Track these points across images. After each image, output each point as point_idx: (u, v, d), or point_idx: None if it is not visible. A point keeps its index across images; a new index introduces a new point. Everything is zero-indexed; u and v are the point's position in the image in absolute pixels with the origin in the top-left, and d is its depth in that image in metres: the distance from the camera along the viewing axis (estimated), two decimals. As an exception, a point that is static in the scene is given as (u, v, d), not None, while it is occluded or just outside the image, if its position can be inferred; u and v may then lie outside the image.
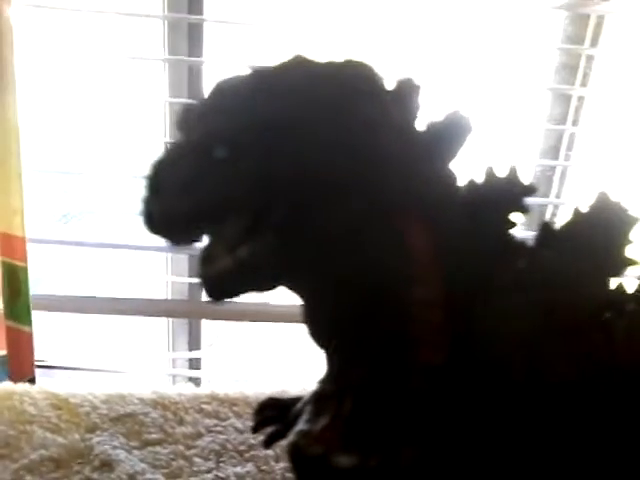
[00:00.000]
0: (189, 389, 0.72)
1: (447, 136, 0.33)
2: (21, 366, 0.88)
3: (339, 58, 0.33)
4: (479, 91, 0.94)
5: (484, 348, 0.34)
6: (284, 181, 0.31)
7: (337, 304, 0.35)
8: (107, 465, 0.60)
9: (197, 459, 0.62)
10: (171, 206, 0.32)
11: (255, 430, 0.50)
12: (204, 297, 1.08)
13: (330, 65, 0.32)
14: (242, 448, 0.63)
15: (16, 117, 0.76)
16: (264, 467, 0.61)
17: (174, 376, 1.14)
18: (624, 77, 0.96)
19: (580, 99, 0.99)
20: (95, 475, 0.58)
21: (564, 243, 0.35)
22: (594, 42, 0.96)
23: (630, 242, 0.35)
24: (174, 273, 1.06)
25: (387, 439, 0.34)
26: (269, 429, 0.49)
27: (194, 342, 1.13)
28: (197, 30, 0.93)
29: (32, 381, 0.89)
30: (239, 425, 0.66)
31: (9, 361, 0.87)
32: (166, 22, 0.92)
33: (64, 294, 1.08)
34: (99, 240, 1.07)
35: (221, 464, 0.61)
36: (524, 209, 0.35)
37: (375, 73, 0.33)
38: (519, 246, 0.36)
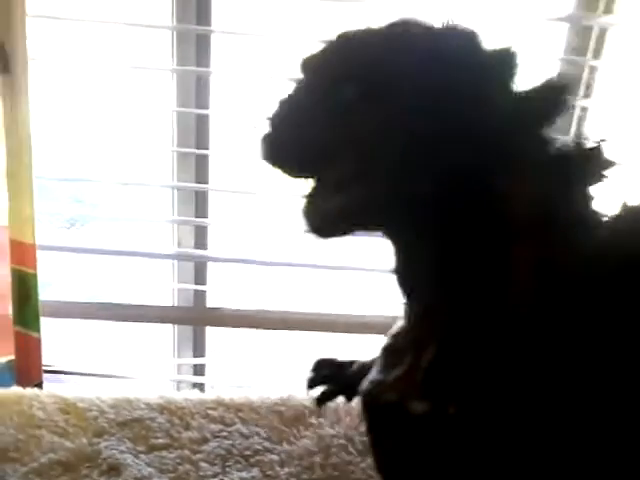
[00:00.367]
0: (195, 395, 0.73)
1: (546, 101, 0.35)
2: (29, 371, 0.89)
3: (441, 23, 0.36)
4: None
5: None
6: (394, 135, 0.33)
7: (428, 251, 0.36)
8: (114, 469, 0.60)
9: (203, 464, 0.62)
10: (289, 142, 0.35)
11: (310, 387, 0.52)
12: (209, 304, 1.09)
13: (440, 29, 0.35)
14: (247, 453, 0.64)
15: (28, 129, 0.77)
16: (269, 472, 0.62)
17: (179, 382, 1.14)
18: (627, 88, 0.97)
19: (583, 109, 1.00)
20: (102, 479, 0.59)
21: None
22: (597, 53, 0.97)
23: None
24: (180, 280, 1.07)
25: (465, 389, 0.35)
26: (321, 388, 0.52)
27: (199, 349, 1.14)
28: (205, 41, 0.94)
29: (40, 386, 0.90)
30: (244, 430, 0.67)
31: (17, 366, 0.88)
32: (175, 33, 0.93)
33: (72, 300, 1.09)
34: (106, 247, 1.08)
35: (227, 469, 0.62)
36: (605, 181, 0.37)
37: (480, 38, 0.36)
38: (599, 217, 0.37)
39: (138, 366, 1.18)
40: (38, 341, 0.89)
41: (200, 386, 1.13)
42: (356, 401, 0.43)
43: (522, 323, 0.35)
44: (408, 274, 0.39)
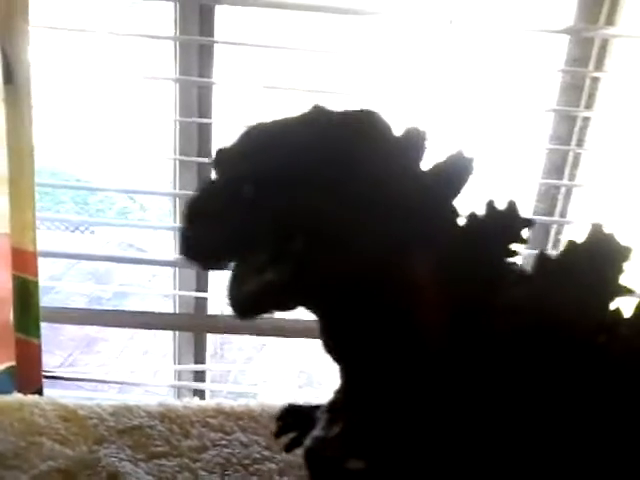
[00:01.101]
0: (195, 402, 0.73)
1: (450, 176, 0.37)
2: (29, 377, 0.89)
3: (352, 107, 0.37)
4: (486, 113, 0.95)
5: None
6: (301, 218, 0.35)
7: (349, 324, 0.39)
8: (114, 477, 0.61)
9: (202, 472, 0.63)
10: (204, 237, 0.37)
11: (277, 436, 0.54)
12: (210, 311, 1.10)
13: (344, 115, 0.37)
14: (247, 462, 0.64)
15: (31, 138, 0.78)
16: (268, 481, 0.62)
17: (179, 388, 1.14)
18: (630, 98, 0.98)
19: (585, 120, 1.01)
20: (102, 487, 0.60)
21: (560, 272, 0.37)
22: (599, 64, 0.97)
23: (624, 272, 0.37)
24: (181, 287, 1.08)
25: (392, 446, 0.38)
26: (290, 435, 0.53)
27: (199, 355, 1.14)
28: (208, 51, 0.95)
29: (40, 392, 0.91)
30: (244, 439, 0.67)
31: (18, 372, 0.88)
32: (177, 43, 0.94)
33: (72, 306, 1.09)
34: (108, 253, 1.09)
35: (226, 477, 0.62)
36: (523, 240, 0.38)
37: (384, 122, 0.37)
38: (517, 274, 0.38)
39: (139, 373, 1.19)
40: (38, 347, 0.89)
41: (200, 393, 1.13)
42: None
43: (432, 387, 0.37)
44: (330, 342, 0.41)
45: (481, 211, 0.38)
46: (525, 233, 0.38)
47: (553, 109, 1.00)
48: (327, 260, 0.36)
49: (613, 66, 0.97)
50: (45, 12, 0.90)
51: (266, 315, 0.38)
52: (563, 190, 1.05)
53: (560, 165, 1.04)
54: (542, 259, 0.38)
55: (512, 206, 0.38)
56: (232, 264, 0.38)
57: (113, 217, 3.12)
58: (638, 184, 1.00)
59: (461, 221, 0.38)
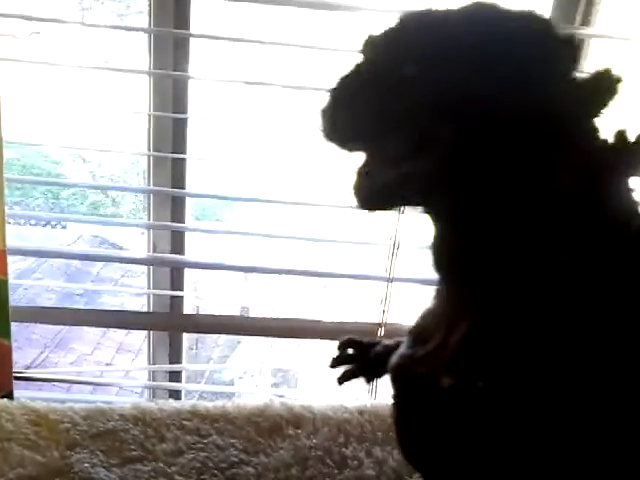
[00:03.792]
0: (170, 404, 0.71)
1: (596, 90, 0.36)
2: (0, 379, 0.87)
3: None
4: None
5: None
6: (458, 105, 0.34)
7: (477, 226, 0.37)
8: (86, 483, 0.59)
9: (178, 477, 0.61)
10: (351, 116, 0.37)
11: (333, 366, 0.53)
12: (185, 310, 1.08)
13: (514, 13, 0.37)
14: (223, 466, 0.63)
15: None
16: (245, 485, 0.61)
17: (154, 389, 1.13)
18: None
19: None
20: (74, 494, 0.58)
21: None
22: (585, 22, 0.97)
23: None
24: (155, 286, 1.06)
25: (493, 366, 0.37)
26: (346, 367, 0.53)
27: (175, 355, 1.12)
28: (183, 44, 0.93)
29: (10, 394, 0.88)
30: (220, 442, 0.66)
31: (-14, 374, 0.85)
32: (152, 36, 0.92)
33: (44, 305, 1.07)
34: (80, 249, 1.06)
35: (202, 482, 0.61)
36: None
37: (551, 23, 0.37)
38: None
39: (113, 373, 1.16)
40: (9, 348, 0.87)
41: (176, 393, 1.11)
42: (379, 380, 0.47)
43: (553, 306, 0.36)
44: (443, 253, 0.40)
45: (611, 138, 0.38)
46: None
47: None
48: (475, 156, 0.35)
49: (589, 66, 0.97)
50: (18, 3, 0.87)
51: (392, 209, 0.39)
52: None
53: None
54: None
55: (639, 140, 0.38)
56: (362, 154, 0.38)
57: (85, 211, 3.06)
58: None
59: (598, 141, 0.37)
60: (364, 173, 0.38)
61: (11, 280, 0.85)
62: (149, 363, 1.12)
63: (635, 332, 0.36)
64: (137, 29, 0.92)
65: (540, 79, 0.36)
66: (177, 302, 1.07)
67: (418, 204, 0.38)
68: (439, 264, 0.40)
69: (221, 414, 0.70)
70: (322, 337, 1.06)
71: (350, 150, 0.39)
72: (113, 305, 2.35)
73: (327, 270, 1.06)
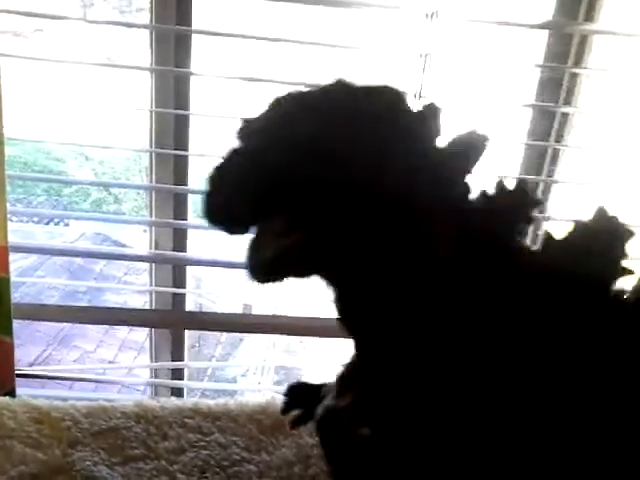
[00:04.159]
0: (172, 402, 0.71)
1: (464, 152, 0.38)
2: (1, 377, 0.87)
3: (373, 83, 0.38)
4: (465, 108, 0.95)
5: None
6: (323, 187, 0.36)
7: (364, 291, 0.40)
8: (88, 481, 0.59)
9: (180, 475, 0.61)
10: (229, 201, 0.39)
11: (283, 412, 0.55)
12: (187, 307, 1.08)
13: (365, 89, 0.38)
14: (225, 464, 0.63)
15: (1, 128, 0.75)
16: (247, 483, 0.61)
17: (156, 386, 1.13)
18: (608, 94, 0.98)
19: (564, 115, 1.01)
20: (76, 492, 0.58)
21: (565, 251, 0.39)
22: (578, 60, 0.97)
23: (626, 254, 0.38)
24: (157, 283, 1.06)
25: (400, 414, 0.40)
26: (295, 412, 0.55)
27: (177, 352, 1.12)
28: (185, 40, 0.92)
29: (13, 391, 0.88)
30: (222, 440, 0.66)
31: (-11, 372, 0.85)
32: (154, 32, 0.91)
33: (47, 303, 1.07)
34: (83, 247, 1.06)
35: (204, 480, 0.61)
36: (530, 220, 0.40)
37: (404, 97, 0.38)
38: (526, 250, 0.40)
39: (116, 370, 1.16)
40: (11, 346, 0.87)
41: (178, 390, 1.11)
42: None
43: (443, 360, 0.38)
44: (342, 313, 0.42)
45: (491, 190, 0.39)
46: (533, 213, 0.39)
47: (532, 104, 1.00)
48: (343, 231, 0.37)
49: (592, 62, 0.97)
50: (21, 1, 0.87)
51: (283, 281, 0.39)
52: (542, 186, 1.05)
53: (539, 161, 1.04)
54: (548, 238, 0.39)
55: (521, 186, 0.39)
56: (253, 229, 0.39)
57: (88, 208, 3.07)
58: (617, 179, 1.00)
59: (472, 196, 0.39)
60: (253, 248, 0.39)
61: (14, 278, 0.85)
62: (151, 361, 1.12)
63: (522, 375, 0.37)
64: (139, 26, 0.91)
65: (395, 153, 0.37)
66: (179, 299, 1.07)
67: (307, 274, 0.40)
68: (342, 320, 0.42)
69: (223, 412, 0.70)
70: (324, 335, 1.06)
71: (237, 233, 0.41)
72: (116, 302, 2.35)
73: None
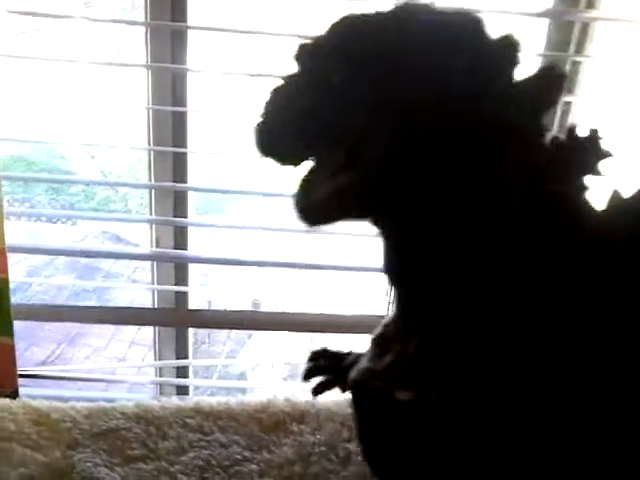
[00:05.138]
0: (173, 402, 0.71)
1: (541, 89, 0.36)
2: (4, 378, 0.87)
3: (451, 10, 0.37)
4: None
5: None
6: (389, 113, 0.33)
7: (421, 239, 0.36)
8: (88, 483, 0.59)
9: (181, 475, 0.61)
10: (285, 128, 0.36)
11: (305, 378, 0.53)
12: (190, 305, 1.08)
13: (443, 14, 0.36)
14: (226, 464, 0.63)
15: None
16: (248, 483, 0.60)
17: (161, 385, 1.13)
18: (611, 82, 0.96)
19: (566, 104, 0.99)
20: (76, 493, 0.58)
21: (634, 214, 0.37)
22: (579, 48, 0.96)
23: None
24: (160, 282, 1.05)
25: (447, 379, 0.37)
26: (319, 378, 0.53)
27: (181, 350, 1.12)
28: (181, 37, 0.92)
29: (15, 393, 0.88)
30: (223, 440, 0.65)
31: (-9, 373, 0.85)
32: (149, 29, 0.91)
33: (49, 303, 1.07)
34: (88, 246, 1.06)
35: (205, 480, 0.61)
36: (599, 172, 0.38)
37: (484, 25, 0.36)
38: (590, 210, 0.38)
39: (120, 369, 1.17)
40: (12, 347, 0.87)
41: (184, 389, 1.11)
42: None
43: (503, 317, 0.35)
44: (395, 265, 0.39)
45: (563, 137, 0.37)
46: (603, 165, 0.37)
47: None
48: (407, 166, 0.34)
49: (594, 50, 0.95)
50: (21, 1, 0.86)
51: (334, 223, 0.37)
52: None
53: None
54: (615, 198, 0.38)
55: (594, 135, 0.37)
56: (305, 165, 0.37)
57: (94, 207, 3.07)
58: (620, 168, 0.99)
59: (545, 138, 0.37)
60: (304, 185, 0.37)
61: (23, 278, 0.85)
62: (155, 359, 1.12)
63: (588, 340, 0.35)
64: (134, 22, 0.91)
65: (477, 83, 0.34)
66: (182, 297, 1.07)
67: (361, 218, 0.37)
68: (390, 275, 0.39)
69: (224, 411, 0.69)
70: (327, 330, 1.05)
71: (290, 165, 0.38)
72: (124, 300, 2.36)
73: (332, 263, 1.05)
